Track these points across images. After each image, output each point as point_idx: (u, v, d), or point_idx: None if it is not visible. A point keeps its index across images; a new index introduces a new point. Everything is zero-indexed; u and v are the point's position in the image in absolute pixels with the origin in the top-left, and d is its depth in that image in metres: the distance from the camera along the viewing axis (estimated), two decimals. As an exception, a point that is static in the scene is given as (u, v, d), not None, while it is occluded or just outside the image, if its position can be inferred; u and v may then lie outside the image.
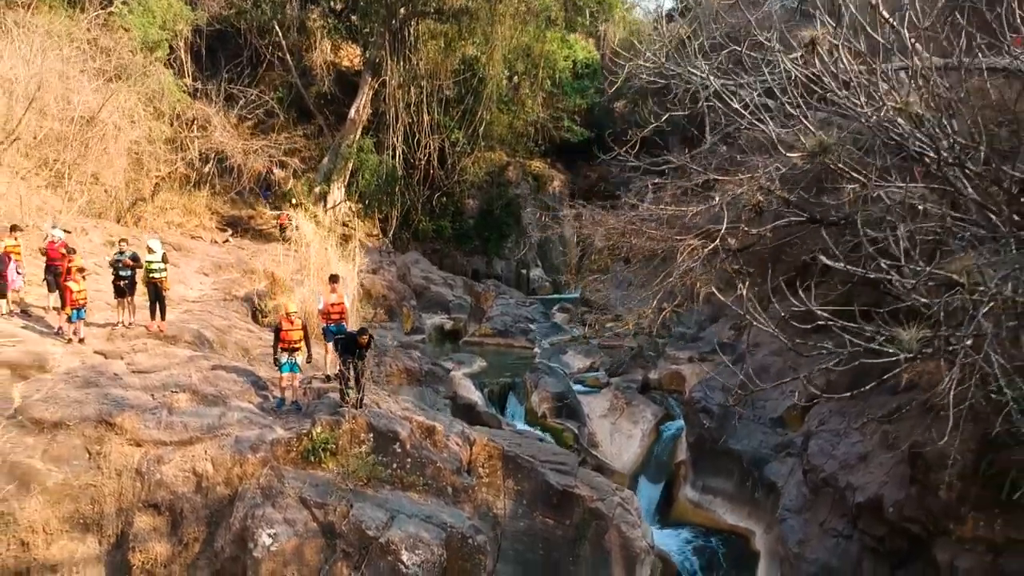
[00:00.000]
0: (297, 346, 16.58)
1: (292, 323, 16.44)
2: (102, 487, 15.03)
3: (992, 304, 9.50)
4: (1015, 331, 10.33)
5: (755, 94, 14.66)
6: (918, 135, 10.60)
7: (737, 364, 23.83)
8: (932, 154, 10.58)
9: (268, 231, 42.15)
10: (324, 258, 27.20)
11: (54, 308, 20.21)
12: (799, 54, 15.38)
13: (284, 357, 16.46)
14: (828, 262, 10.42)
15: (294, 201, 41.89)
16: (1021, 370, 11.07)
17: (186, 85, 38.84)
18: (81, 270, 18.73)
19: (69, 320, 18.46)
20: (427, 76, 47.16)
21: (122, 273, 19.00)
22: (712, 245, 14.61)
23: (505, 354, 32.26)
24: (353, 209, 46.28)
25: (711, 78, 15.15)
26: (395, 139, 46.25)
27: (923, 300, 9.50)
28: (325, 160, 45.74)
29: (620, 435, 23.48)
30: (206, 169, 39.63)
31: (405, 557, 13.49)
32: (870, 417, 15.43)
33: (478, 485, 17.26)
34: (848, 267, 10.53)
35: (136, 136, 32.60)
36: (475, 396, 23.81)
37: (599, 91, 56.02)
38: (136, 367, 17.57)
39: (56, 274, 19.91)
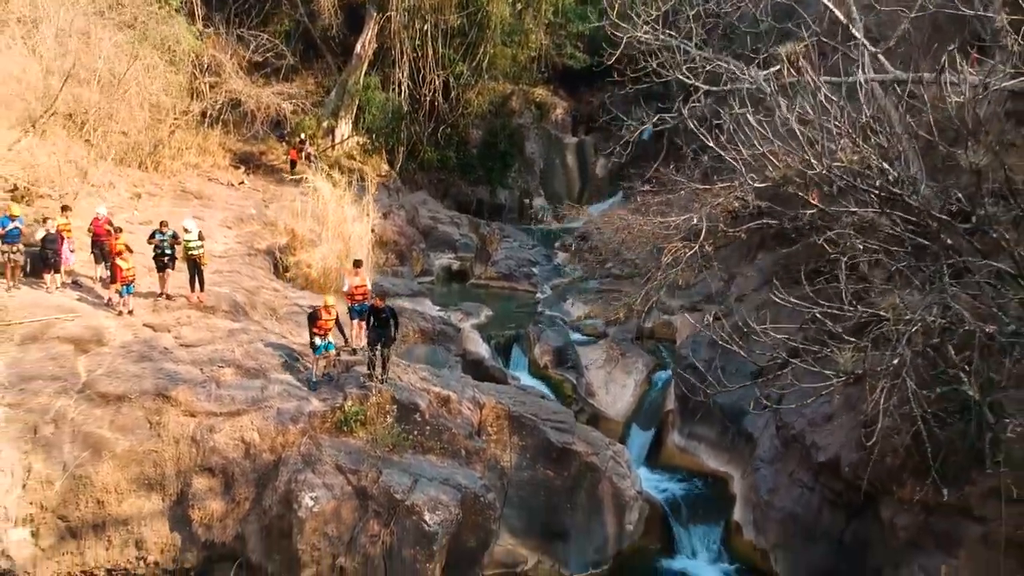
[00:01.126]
0: (330, 330, 18.64)
1: (329, 313, 18.42)
2: (163, 453, 17.38)
3: (912, 331, 11.55)
4: (934, 351, 12.41)
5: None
6: (858, 183, 12.46)
7: (726, 318, 26.11)
8: (873, 195, 12.46)
9: (280, 166, 43.74)
10: (340, 215, 29.09)
11: (101, 278, 22.34)
12: (776, 68, 17.05)
13: (319, 340, 18.55)
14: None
15: (303, 136, 43.36)
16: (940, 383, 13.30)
17: (198, 31, 39.88)
18: (129, 249, 20.70)
19: (120, 295, 20.56)
20: (431, 10, 47.84)
21: (164, 252, 20.96)
22: (693, 249, 16.61)
23: (510, 298, 34.43)
24: (360, 143, 47.70)
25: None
26: (400, 74, 47.32)
27: (851, 340, 11.56)
28: (332, 95, 46.93)
29: (615, 385, 25.83)
30: (219, 112, 40.98)
31: (428, 517, 15.90)
32: (836, 380, 17.51)
33: (487, 442, 19.68)
34: (801, 304, 12.56)
35: (155, 89, 34.01)
36: (483, 350, 26.03)
37: (601, 14, 56.50)
38: (183, 340, 19.75)
39: (102, 248, 21.96)
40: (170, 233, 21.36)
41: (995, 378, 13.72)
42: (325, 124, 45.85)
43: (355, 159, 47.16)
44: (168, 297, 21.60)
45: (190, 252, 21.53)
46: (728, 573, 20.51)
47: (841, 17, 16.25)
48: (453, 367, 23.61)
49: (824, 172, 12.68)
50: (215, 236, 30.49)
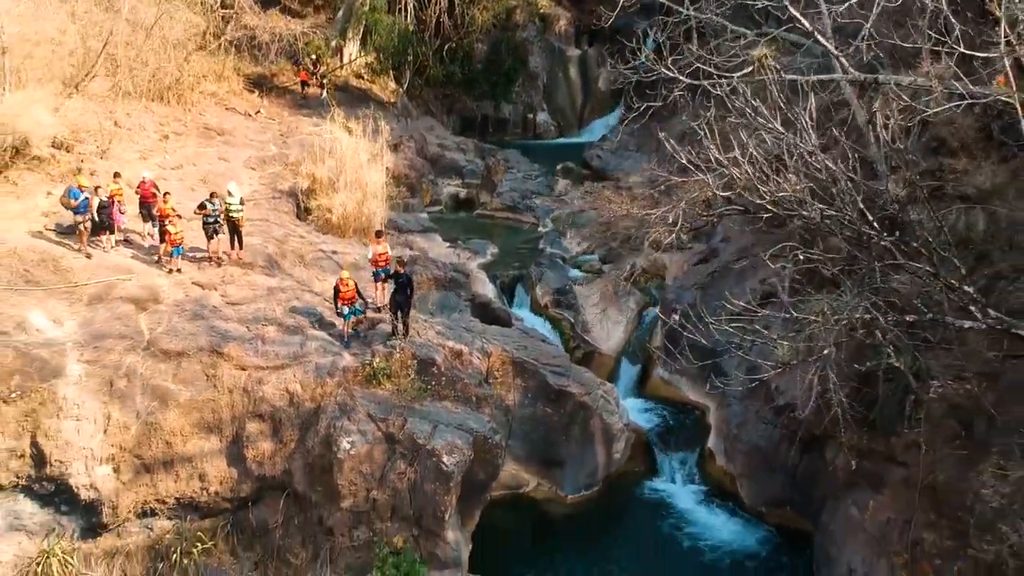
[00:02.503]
0: (353, 298, 21.37)
1: (347, 285, 21.13)
2: (219, 401, 20.45)
3: (837, 329, 14.39)
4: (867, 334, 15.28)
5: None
6: (802, 210, 15.04)
7: (710, 260, 28.89)
8: (815, 214, 15.07)
9: (292, 87, 45.74)
10: (357, 162, 31.43)
11: (148, 233, 25.03)
12: (750, 69, 19.26)
13: (345, 309, 21.32)
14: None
15: (315, 57, 45.13)
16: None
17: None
18: (177, 214, 23.30)
19: (170, 256, 23.30)
20: (436, -75, 48.75)
21: (215, 220, 23.51)
22: (671, 236, 19.25)
23: (514, 230, 37.06)
24: (368, 63, 49.32)
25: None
26: (406, -5, 48.63)
27: (785, 343, 14.41)
28: (339, 15, 48.29)
29: (608, 322, 28.74)
30: (235, 44, 42.72)
31: (445, 459, 19.05)
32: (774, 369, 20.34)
33: (495, 384, 22.79)
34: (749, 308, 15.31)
35: (178, 31, 35.87)
36: (489, 292, 28.84)
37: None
38: (229, 299, 22.60)
39: (149, 209, 24.59)
40: (217, 203, 23.72)
41: (918, 359, 16.62)
42: (333, 43, 47.38)
43: (363, 79, 49.02)
44: (218, 262, 24.19)
45: (231, 214, 24.11)
46: (701, 494, 23.95)
47: (807, 25, 18.31)
48: (463, 311, 26.50)
49: (771, 197, 15.22)
50: (240, 178, 32.94)
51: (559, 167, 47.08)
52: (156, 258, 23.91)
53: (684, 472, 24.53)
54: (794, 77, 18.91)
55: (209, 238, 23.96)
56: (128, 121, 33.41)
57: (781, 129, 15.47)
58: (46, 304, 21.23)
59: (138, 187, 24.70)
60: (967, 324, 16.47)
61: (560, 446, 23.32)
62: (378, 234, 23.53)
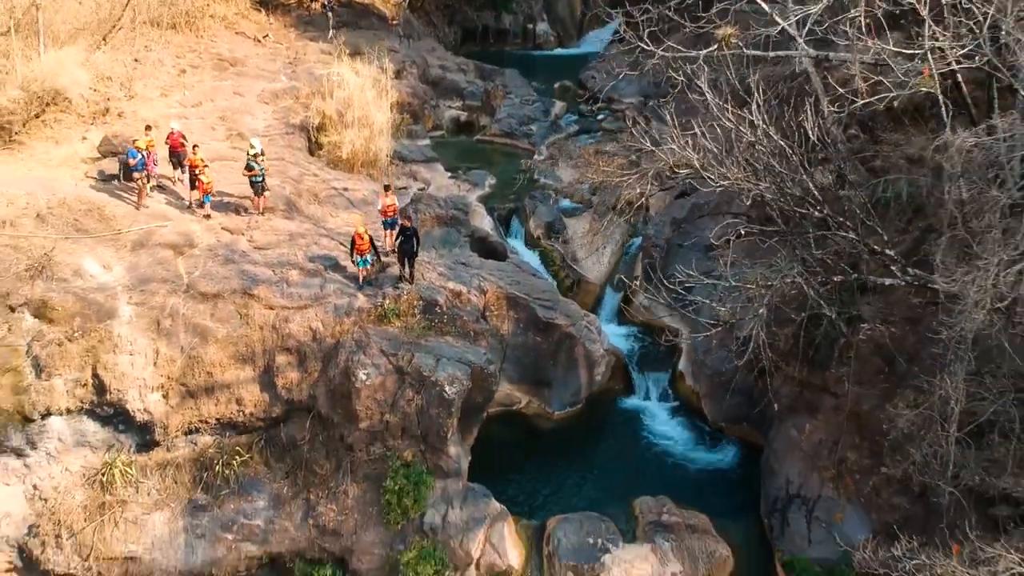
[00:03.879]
0: (367, 250, 24.21)
1: (363, 239, 23.91)
2: (251, 337, 23.61)
3: (770, 295, 17.39)
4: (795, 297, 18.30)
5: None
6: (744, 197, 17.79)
7: (690, 194, 31.57)
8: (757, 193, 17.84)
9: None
10: (363, 99, 33.73)
11: (179, 179, 27.74)
12: (715, 47, 21.60)
13: (359, 258, 24.20)
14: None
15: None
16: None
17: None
18: (206, 164, 25.94)
19: (200, 204, 26.10)
20: None
21: (259, 180, 26.16)
22: (642, 200, 21.99)
23: (512, 157, 39.49)
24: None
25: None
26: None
27: (722, 309, 17.42)
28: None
29: (594, 252, 31.64)
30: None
31: (447, 389, 22.31)
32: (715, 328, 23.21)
33: (490, 317, 25.91)
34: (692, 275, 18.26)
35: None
36: (487, 226, 31.67)
37: None
38: (256, 244, 25.52)
39: (179, 157, 27.25)
40: (261, 165, 26.31)
41: (847, 310, 19.67)
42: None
43: (368, -3, 50.64)
44: (261, 213, 26.92)
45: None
46: (671, 410, 27.43)
47: (765, 7, 20.55)
48: (463, 246, 29.41)
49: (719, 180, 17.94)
50: (255, 112, 35.47)
51: (556, 86, 49.03)
52: (187, 204, 26.70)
53: (657, 391, 27.95)
54: (755, 53, 21.25)
55: (257, 195, 26.58)
56: (148, 57, 35.61)
57: (731, 119, 18.00)
58: (96, 251, 24.15)
59: (167, 138, 27.26)
60: (888, 281, 19.44)
61: (548, 370, 26.65)
62: (386, 188, 26.20)
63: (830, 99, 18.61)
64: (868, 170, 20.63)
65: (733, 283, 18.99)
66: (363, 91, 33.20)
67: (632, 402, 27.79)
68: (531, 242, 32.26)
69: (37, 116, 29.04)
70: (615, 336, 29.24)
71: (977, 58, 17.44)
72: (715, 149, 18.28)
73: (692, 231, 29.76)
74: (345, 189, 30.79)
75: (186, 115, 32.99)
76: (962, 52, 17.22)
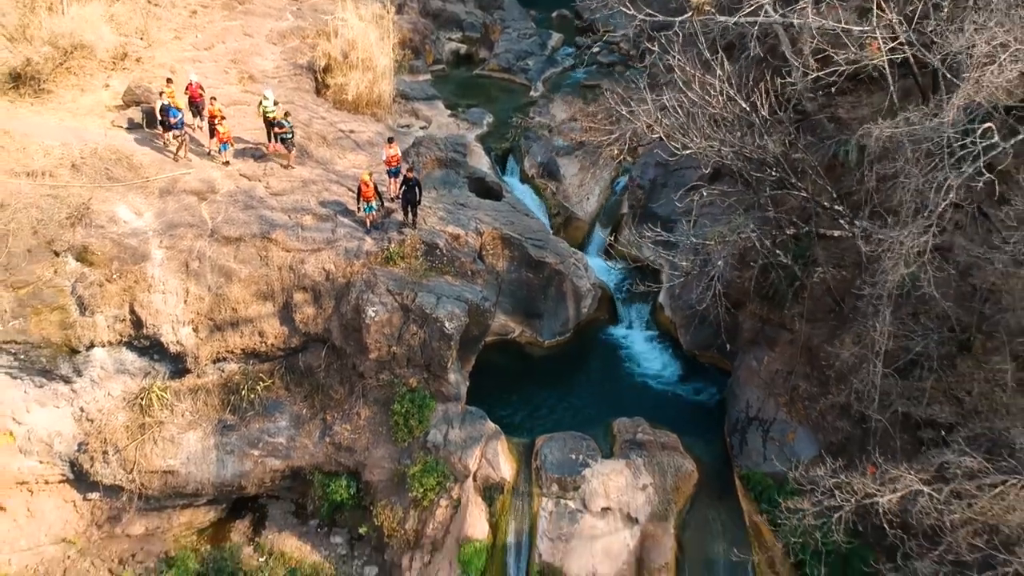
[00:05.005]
0: (372, 197, 26.60)
1: (368, 186, 26.28)
2: (270, 276, 26.26)
3: (727, 251, 19.94)
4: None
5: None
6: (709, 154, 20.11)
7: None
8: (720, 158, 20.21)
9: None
10: (367, 41, 35.53)
11: (198, 127, 29.94)
12: (690, 14, 23.55)
13: (365, 205, 26.60)
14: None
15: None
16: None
17: None
18: (223, 116, 28.14)
19: (219, 151, 28.40)
20: None
21: (288, 136, 28.32)
22: (621, 155, 24.31)
23: (509, 92, 41.38)
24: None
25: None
26: None
27: (684, 264, 19.97)
28: None
29: (585, 190, 33.97)
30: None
31: (447, 324, 25.03)
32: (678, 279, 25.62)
33: (486, 256, 28.48)
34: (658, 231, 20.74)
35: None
36: (484, 165, 33.90)
37: None
38: (272, 190, 27.93)
39: (198, 107, 29.42)
40: (290, 122, 28.51)
41: (801, 257, 22.22)
42: None
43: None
44: (290, 167, 29.16)
45: (267, 114, 28.92)
46: (651, 338, 30.24)
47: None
48: (462, 187, 31.74)
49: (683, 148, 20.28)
50: (264, 53, 37.33)
51: (554, 15, 50.33)
52: (208, 151, 28.99)
53: (640, 321, 30.70)
54: (726, 20, 23.20)
55: (288, 150, 28.82)
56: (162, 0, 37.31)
57: (696, 91, 20.18)
58: (127, 198, 26.60)
59: (187, 88, 29.39)
60: (837, 233, 21.92)
61: (539, 303, 29.36)
62: (390, 140, 28.43)
63: (799, 61, 20.62)
64: (834, 125, 22.72)
65: (695, 241, 21.53)
66: (366, 34, 34.94)
67: (616, 331, 30.56)
68: (526, 180, 34.57)
69: (61, 63, 30.98)
70: (602, 271, 31.81)
71: (907, 44, 19.43)
72: (680, 119, 20.52)
73: (675, 172, 31.98)
74: (351, 131, 32.97)
75: (200, 58, 34.92)
76: (891, 35, 19.22)
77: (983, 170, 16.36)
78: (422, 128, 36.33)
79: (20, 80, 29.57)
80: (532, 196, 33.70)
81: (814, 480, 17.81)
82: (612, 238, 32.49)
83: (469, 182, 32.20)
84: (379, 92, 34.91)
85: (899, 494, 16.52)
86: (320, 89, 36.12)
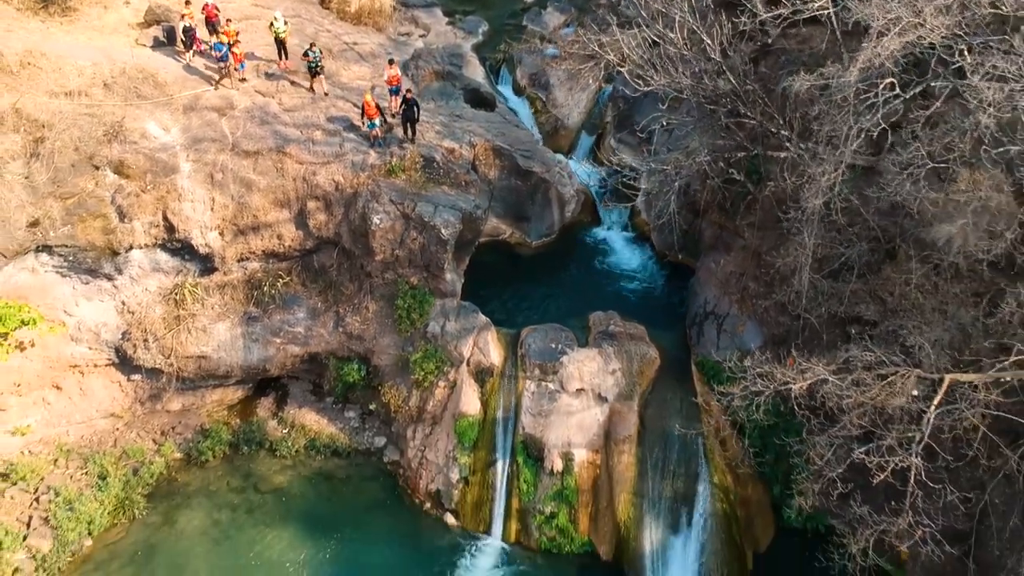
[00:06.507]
0: (375, 114, 29.45)
1: (370, 105, 29.09)
2: (286, 186, 29.48)
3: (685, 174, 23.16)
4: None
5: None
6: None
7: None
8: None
9: None
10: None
11: (213, 44, 32.49)
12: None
13: (368, 122, 29.48)
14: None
15: None
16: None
17: None
18: (238, 39, 30.71)
19: (236, 69, 31.13)
20: None
21: (315, 65, 30.84)
22: (599, 82, 27.14)
23: (505, -1, 43.65)
24: None
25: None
26: None
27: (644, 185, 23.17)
28: None
29: (572, 99, 36.63)
30: None
31: (443, 231, 28.34)
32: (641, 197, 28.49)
33: (479, 166, 31.59)
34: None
35: None
36: (479, 76, 36.45)
37: None
38: (285, 106, 30.80)
39: (214, 26, 31.92)
40: (318, 52, 30.92)
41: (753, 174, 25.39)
42: None
43: None
44: (312, 94, 31.74)
45: (278, 34, 31.47)
46: (629, 239, 33.63)
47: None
48: (457, 98, 34.51)
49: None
50: (271, -36, 39.10)
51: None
52: (224, 68, 31.71)
53: (619, 223, 34.01)
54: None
55: (313, 77, 31.37)
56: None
57: (660, 30, 22.91)
58: (155, 115, 29.49)
59: (203, 9, 31.87)
60: (783, 155, 24.96)
61: (527, 207, 32.63)
62: (391, 61, 31.06)
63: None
64: (784, 58, 25.43)
65: (654, 167, 24.68)
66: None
67: (597, 232, 33.94)
68: (518, 90, 37.23)
69: (83, -22, 33.21)
70: (587, 175, 34.90)
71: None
72: (644, 54, 23.33)
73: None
74: (354, 43, 35.48)
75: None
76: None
77: (880, 121, 19.36)
78: (421, 36, 38.63)
79: (48, -1, 31.97)
80: (523, 106, 36.38)
81: (744, 369, 21.49)
82: (597, 145, 35.42)
83: (464, 93, 34.91)
84: (380, 1, 37.09)
85: (808, 382, 20.19)
86: (325, 2, 38.24)
